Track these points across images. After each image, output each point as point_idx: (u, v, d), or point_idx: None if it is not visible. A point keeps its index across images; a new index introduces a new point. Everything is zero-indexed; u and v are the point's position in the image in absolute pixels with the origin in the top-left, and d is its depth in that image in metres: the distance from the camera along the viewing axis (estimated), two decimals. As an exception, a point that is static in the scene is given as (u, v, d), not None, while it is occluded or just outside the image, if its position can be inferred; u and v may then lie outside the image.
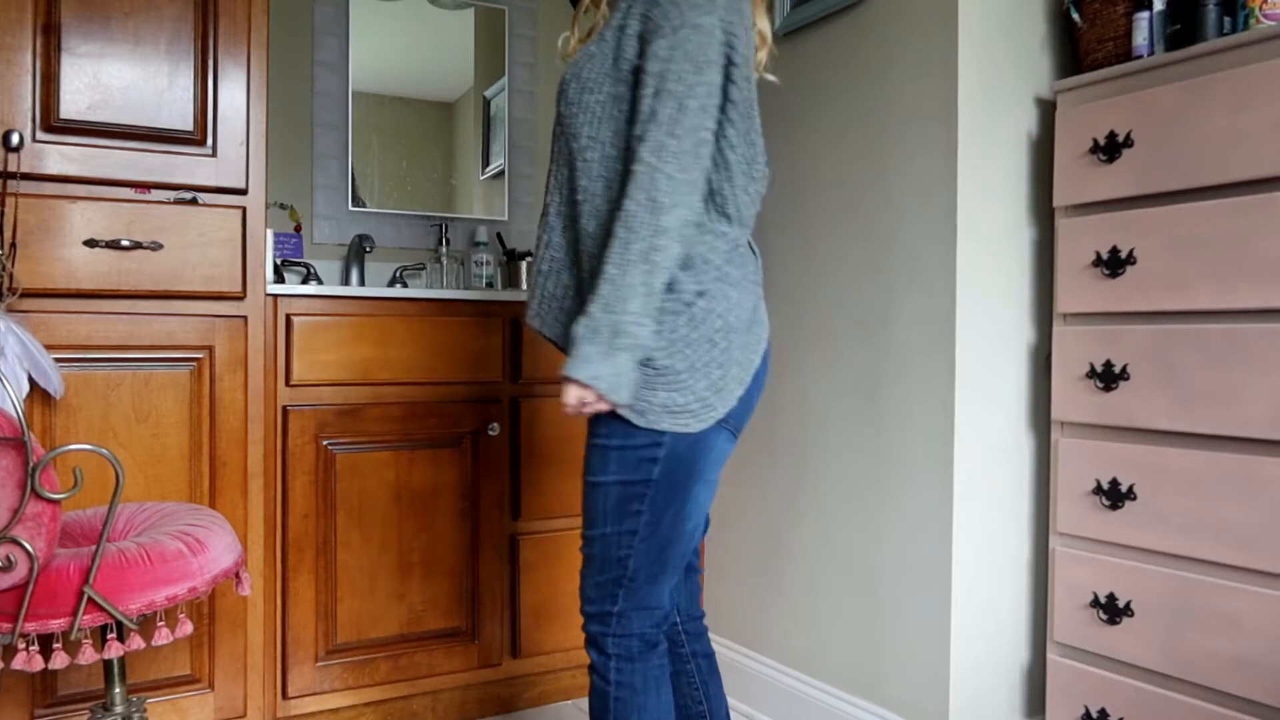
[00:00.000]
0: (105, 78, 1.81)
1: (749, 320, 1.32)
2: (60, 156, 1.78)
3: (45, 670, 1.42)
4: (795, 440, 2.17)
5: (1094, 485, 1.72)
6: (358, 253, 2.52)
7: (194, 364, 1.89)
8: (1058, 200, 1.79)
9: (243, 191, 1.93)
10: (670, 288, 1.24)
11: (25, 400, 1.68)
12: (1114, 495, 1.68)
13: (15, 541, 1.19)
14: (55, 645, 1.28)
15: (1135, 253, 1.65)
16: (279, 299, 1.99)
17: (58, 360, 1.72)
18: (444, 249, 2.67)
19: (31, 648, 1.26)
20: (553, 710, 2.29)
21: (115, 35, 1.81)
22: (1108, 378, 1.69)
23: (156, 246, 1.82)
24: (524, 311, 1.48)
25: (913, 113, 1.87)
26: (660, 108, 1.20)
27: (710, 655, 1.54)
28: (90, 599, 1.24)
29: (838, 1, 2.03)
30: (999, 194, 1.84)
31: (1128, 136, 1.66)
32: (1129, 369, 1.66)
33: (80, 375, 1.79)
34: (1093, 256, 1.72)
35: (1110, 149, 1.69)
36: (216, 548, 1.40)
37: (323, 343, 2.02)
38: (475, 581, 2.20)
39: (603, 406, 1.23)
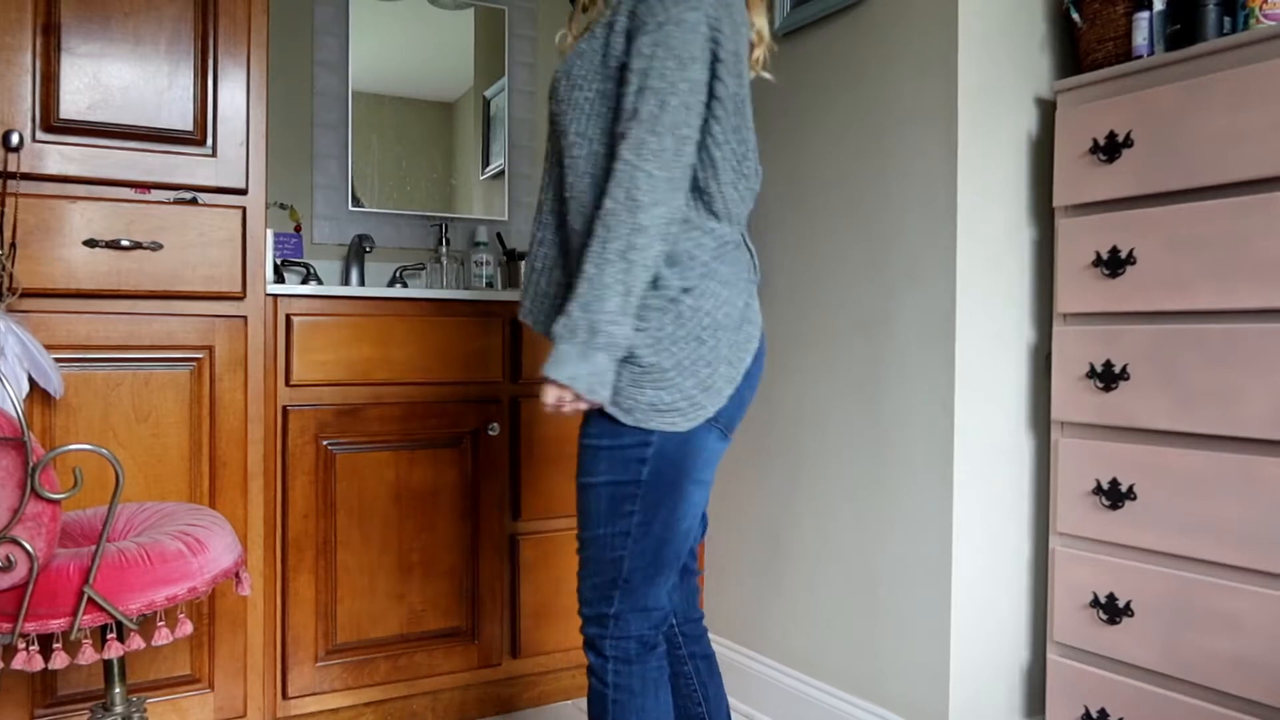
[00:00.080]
0: (105, 78, 1.81)
1: (739, 318, 1.31)
2: (60, 156, 1.78)
3: (45, 670, 1.42)
4: (795, 440, 2.17)
5: (1094, 485, 1.72)
6: (357, 253, 2.52)
7: (194, 364, 1.89)
8: (1058, 200, 1.79)
9: (243, 191, 1.93)
10: (655, 284, 1.24)
11: (25, 400, 1.67)
12: (1114, 495, 1.68)
13: (15, 541, 1.19)
14: (55, 645, 1.27)
15: (1135, 253, 1.65)
16: (279, 299, 1.99)
17: (58, 360, 1.72)
18: (444, 249, 2.67)
19: (31, 648, 1.25)
20: (553, 710, 2.29)
21: (115, 35, 1.81)
22: (1108, 378, 1.69)
23: (156, 246, 1.82)
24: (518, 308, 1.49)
25: (913, 113, 1.87)
26: (642, 105, 1.20)
27: (709, 657, 1.53)
28: (90, 599, 1.24)
29: (838, 1, 2.03)
30: (999, 194, 1.84)
31: (1128, 136, 1.66)
32: (1129, 369, 1.66)
33: (80, 375, 1.79)
34: (1093, 256, 1.72)
35: (1110, 149, 1.69)
36: (216, 548, 1.40)
37: (323, 343, 2.02)
38: (475, 581, 2.20)
39: (581, 405, 1.23)
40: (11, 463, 1.18)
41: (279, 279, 2.36)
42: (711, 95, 1.26)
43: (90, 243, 1.77)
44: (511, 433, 2.24)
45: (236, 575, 1.47)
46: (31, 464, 1.18)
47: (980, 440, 1.83)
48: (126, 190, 1.84)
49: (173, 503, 1.60)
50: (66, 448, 1.24)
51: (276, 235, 2.48)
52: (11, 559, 1.19)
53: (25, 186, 1.74)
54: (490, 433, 2.18)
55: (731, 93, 1.28)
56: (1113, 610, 1.68)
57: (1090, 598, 1.72)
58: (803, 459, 2.14)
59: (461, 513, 2.18)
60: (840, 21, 2.05)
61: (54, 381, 1.67)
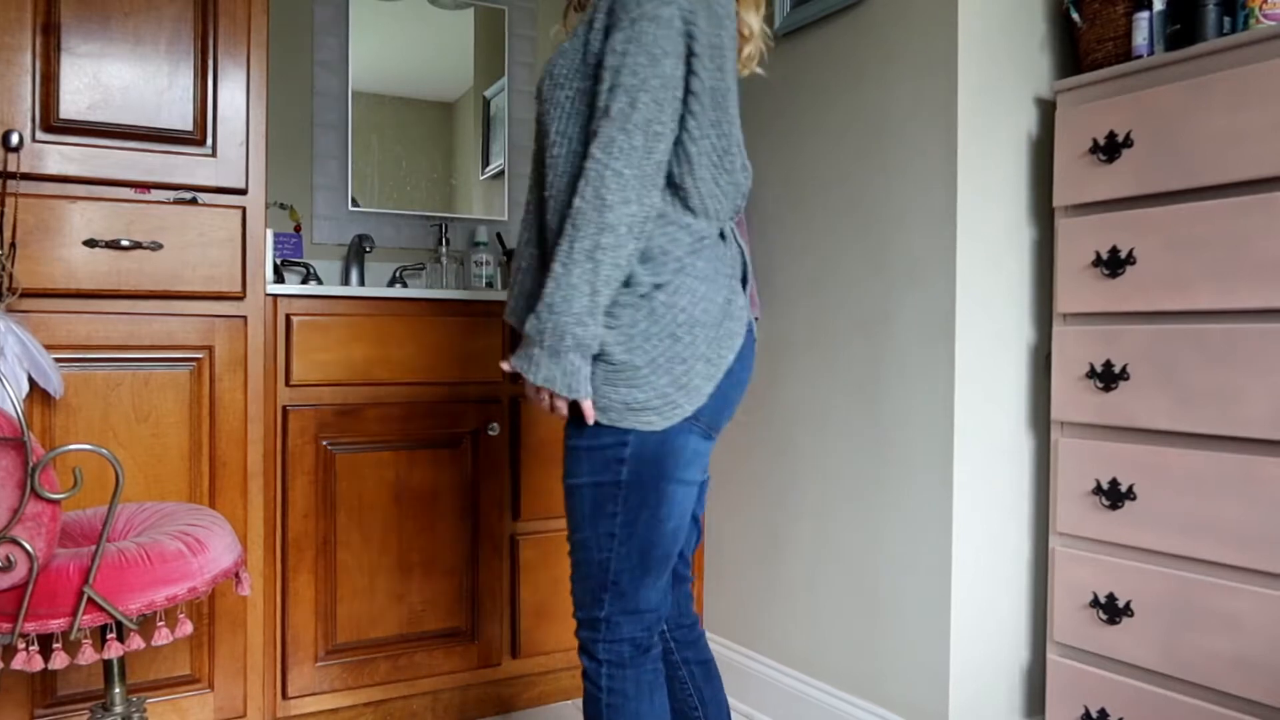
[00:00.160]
0: (105, 78, 1.81)
1: (719, 314, 1.28)
2: (60, 156, 1.78)
3: (45, 670, 1.42)
4: (795, 440, 2.17)
5: (1094, 485, 1.72)
6: (357, 253, 2.52)
7: (194, 364, 1.89)
8: (1058, 200, 1.79)
9: (242, 191, 1.93)
10: (627, 281, 1.22)
11: (25, 400, 1.67)
12: (1114, 495, 1.68)
13: (15, 541, 1.19)
14: (55, 645, 1.27)
15: (1135, 253, 1.65)
16: (279, 299, 1.99)
17: (58, 360, 1.72)
18: (444, 249, 2.67)
19: (31, 648, 1.25)
20: (552, 710, 2.29)
21: (115, 35, 1.81)
22: (1107, 378, 1.69)
23: (156, 246, 1.82)
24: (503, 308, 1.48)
25: (912, 113, 1.87)
26: (613, 102, 1.19)
27: (706, 661, 1.51)
28: (90, 599, 1.24)
29: (838, 1, 2.03)
30: (999, 194, 1.84)
31: (1127, 136, 1.66)
32: (1129, 369, 1.66)
33: (80, 375, 1.79)
34: (1092, 256, 1.72)
35: (1110, 149, 1.69)
36: (216, 548, 1.40)
37: (322, 343, 2.02)
38: (475, 581, 2.20)
39: (561, 406, 1.24)
40: (11, 463, 1.18)
41: (279, 279, 2.36)
42: (687, 89, 1.24)
43: (90, 243, 1.77)
44: (511, 433, 2.24)
45: (236, 575, 1.47)
46: (31, 464, 1.18)
47: (980, 440, 1.83)
48: (126, 190, 1.84)
49: (172, 503, 1.60)
50: (66, 448, 1.24)
51: (276, 235, 2.48)
52: (11, 559, 1.19)
53: (25, 186, 1.74)
54: (490, 433, 2.18)
55: (709, 86, 1.25)
56: (1113, 610, 1.68)
57: (1090, 598, 1.72)
58: (802, 459, 2.14)
59: (461, 513, 2.18)
60: (840, 21, 2.05)
61: (54, 381, 1.67)
